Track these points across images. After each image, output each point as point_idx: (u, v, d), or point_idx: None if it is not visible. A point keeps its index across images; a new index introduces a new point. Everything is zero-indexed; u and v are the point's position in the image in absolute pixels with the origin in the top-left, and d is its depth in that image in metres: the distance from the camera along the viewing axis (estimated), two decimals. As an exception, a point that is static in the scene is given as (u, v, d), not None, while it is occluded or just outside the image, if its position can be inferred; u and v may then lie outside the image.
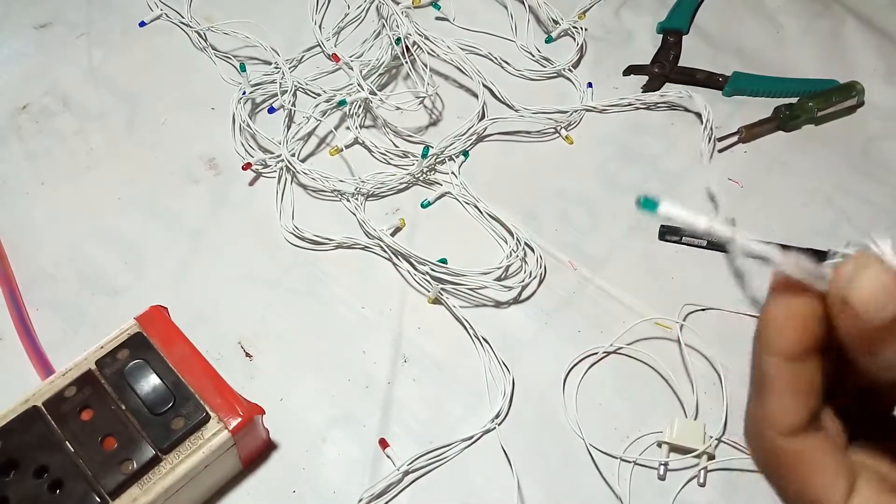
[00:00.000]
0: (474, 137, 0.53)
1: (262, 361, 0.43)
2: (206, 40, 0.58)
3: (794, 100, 0.54)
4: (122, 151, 0.52)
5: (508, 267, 0.46)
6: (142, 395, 0.36)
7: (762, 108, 0.55)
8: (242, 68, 0.54)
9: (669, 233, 0.48)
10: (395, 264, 0.47)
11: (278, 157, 0.50)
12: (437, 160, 0.51)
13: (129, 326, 0.39)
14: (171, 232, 0.48)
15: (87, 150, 0.52)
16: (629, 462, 0.40)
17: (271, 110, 0.54)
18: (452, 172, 0.51)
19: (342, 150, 0.52)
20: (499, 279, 0.45)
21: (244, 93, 0.53)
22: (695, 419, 0.41)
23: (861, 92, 0.55)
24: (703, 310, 0.45)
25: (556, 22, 0.59)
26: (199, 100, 0.55)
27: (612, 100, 0.55)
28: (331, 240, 0.48)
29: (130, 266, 0.47)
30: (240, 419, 0.36)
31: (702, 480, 0.39)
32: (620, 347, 0.44)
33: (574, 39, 0.59)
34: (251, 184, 0.51)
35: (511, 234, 0.47)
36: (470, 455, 0.40)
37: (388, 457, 0.40)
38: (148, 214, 0.49)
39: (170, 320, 0.39)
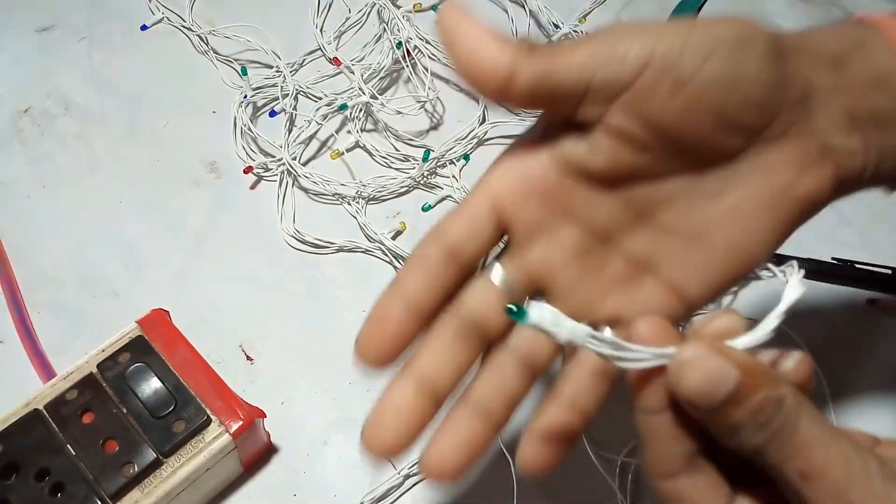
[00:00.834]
0: (475, 141, 0.53)
1: (263, 365, 0.43)
2: (207, 44, 0.58)
3: (794, 104, 0.54)
4: (124, 155, 0.53)
5: (509, 270, 0.46)
6: (143, 399, 0.36)
7: (762, 112, 0.55)
8: (244, 72, 0.54)
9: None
10: (396, 268, 0.47)
11: (279, 160, 0.51)
12: (438, 164, 0.51)
13: (130, 329, 0.39)
14: (173, 235, 0.49)
15: (88, 154, 0.53)
16: (631, 462, 0.40)
17: (272, 114, 0.54)
18: (453, 176, 0.51)
19: (343, 153, 0.52)
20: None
21: (245, 96, 0.53)
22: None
23: (861, 96, 0.55)
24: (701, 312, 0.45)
25: (556, 26, 0.59)
26: (201, 103, 0.55)
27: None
28: (332, 243, 0.48)
29: (132, 269, 0.47)
30: (241, 422, 0.36)
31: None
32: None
33: (575, 43, 0.59)
34: (252, 187, 0.51)
35: (512, 237, 0.47)
36: (471, 458, 0.40)
37: (389, 460, 0.40)
38: (149, 218, 0.49)
39: (171, 324, 0.39)
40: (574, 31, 0.59)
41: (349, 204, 0.50)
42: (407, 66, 0.54)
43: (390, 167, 0.52)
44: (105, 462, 0.34)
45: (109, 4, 0.61)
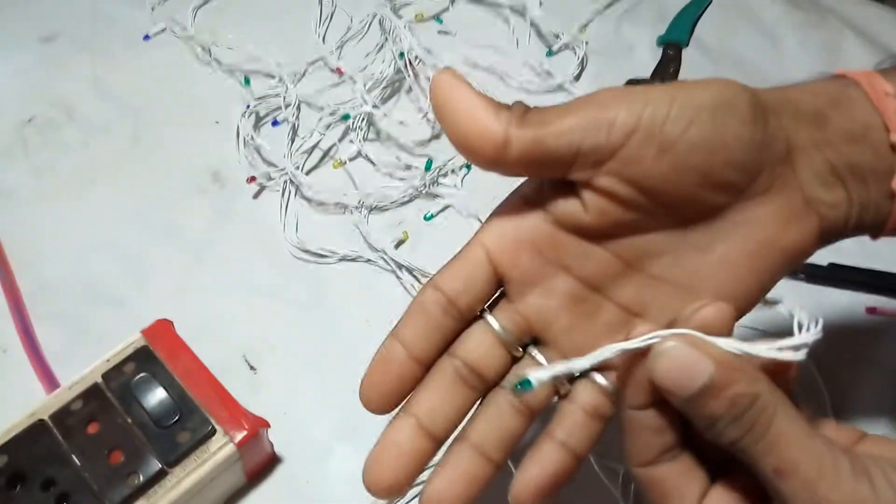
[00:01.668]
0: (477, 150, 0.53)
1: (267, 374, 0.44)
2: (210, 54, 0.58)
3: (793, 113, 0.55)
4: (127, 164, 0.53)
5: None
6: (148, 409, 0.36)
7: (762, 121, 0.55)
8: (246, 82, 0.55)
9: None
10: (398, 277, 0.47)
11: (282, 170, 0.51)
12: (441, 173, 0.52)
13: (135, 340, 0.39)
14: (176, 245, 0.49)
15: (91, 163, 0.53)
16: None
17: (275, 124, 0.55)
18: (455, 185, 0.51)
19: (346, 163, 0.52)
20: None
21: (248, 106, 0.54)
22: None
23: (860, 105, 0.55)
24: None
25: (557, 36, 0.60)
26: (203, 113, 0.55)
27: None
28: (335, 253, 0.48)
29: (135, 279, 0.47)
30: (245, 432, 0.36)
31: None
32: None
33: (575, 53, 0.59)
34: (255, 197, 0.51)
35: (514, 246, 0.48)
36: (474, 468, 0.41)
37: (392, 469, 0.40)
38: (152, 227, 0.49)
39: (175, 334, 0.39)
40: (574, 40, 0.59)
41: (352, 213, 0.50)
42: (409, 75, 0.54)
43: (392, 177, 0.52)
44: (110, 472, 0.34)
45: (112, 15, 0.62)
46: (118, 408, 0.36)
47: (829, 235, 0.26)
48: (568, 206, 0.25)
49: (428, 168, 0.50)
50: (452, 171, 0.52)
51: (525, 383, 0.23)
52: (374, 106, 0.53)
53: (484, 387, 0.27)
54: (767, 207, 0.25)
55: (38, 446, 0.35)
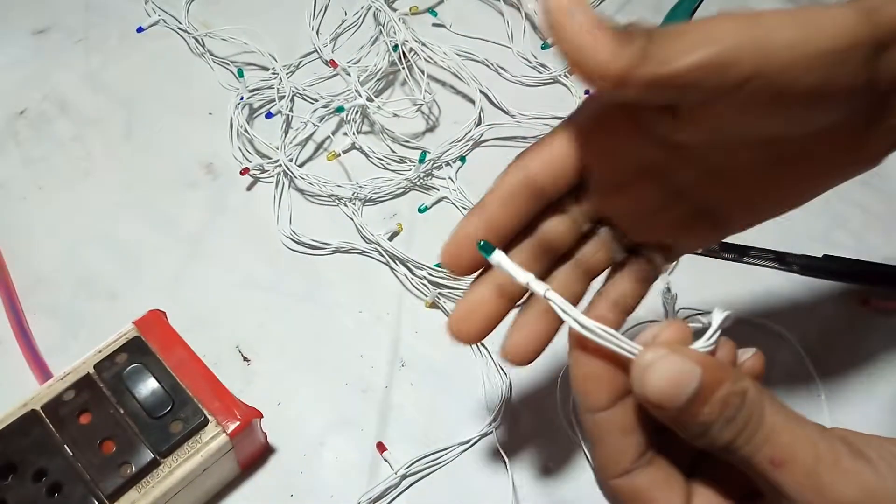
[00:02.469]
0: (471, 143, 0.53)
1: (260, 366, 0.44)
2: (203, 46, 0.58)
3: (787, 106, 0.55)
4: (120, 157, 0.53)
5: (505, 271, 0.46)
6: (140, 399, 0.36)
7: (756, 114, 0.55)
8: (240, 74, 0.55)
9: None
10: (392, 269, 0.47)
11: (276, 162, 0.51)
12: (435, 165, 0.52)
13: (127, 330, 0.39)
14: (169, 237, 0.49)
15: (84, 156, 0.53)
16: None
17: (269, 115, 0.55)
18: (449, 177, 0.51)
19: (339, 155, 0.52)
20: (496, 283, 0.46)
21: (242, 98, 0.53)
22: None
23: (854, 98, 0.55)
24: (699, 313, 0.46)
25: (551, 28, 0.60)
26: (197, 105, 0.55)
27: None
28: (328, 244, 0.48)
29: (128, 271, 0.47)
30: (238, 423, 0.36)
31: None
32: (617, 351, 0.44)
33: (570, 46, 0.59)
34: (249, 189, 0.51)
35: (508, 238, 0.48)
36: (467, 458, 0.41)
37: (385, 461, 0.40)
38: (146, 219, 0.49)
39: (168, 325, 0.39)
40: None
41: (346, 205, 0.50)
42: (403, 68, 0.54)
43: (387, 169, 0.52)
44: (102, 462, 0.34)
45: (105, 7, 0.61)
46: (110, 398, 0.36)
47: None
48: (661, 123, 0.25)
49: (422, 160, 0.50)
50: (447, 163, 0.52)
51: (488, 250, 0.26)
52: (369, 98, 0.53)
53: (555, 260, 0.29)
54: (854, 131, 0.24)
55: (31, 437, 0.35)
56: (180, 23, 0.60)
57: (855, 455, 0.20)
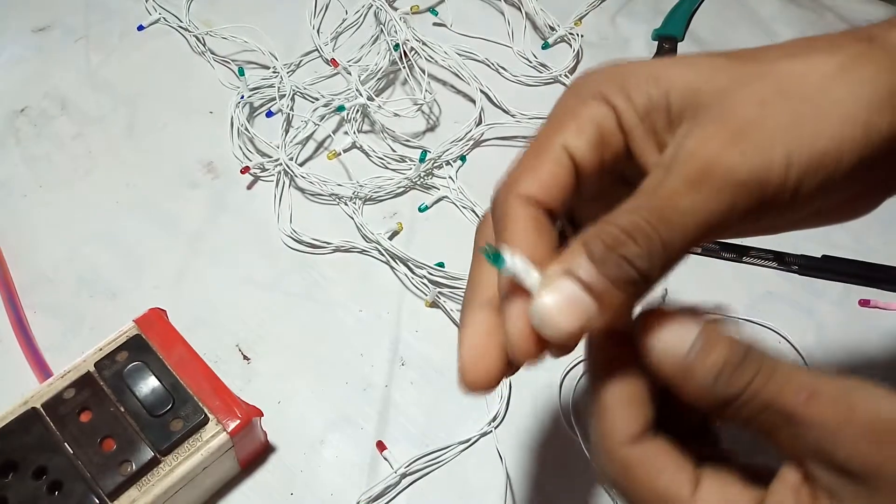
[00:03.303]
0: (471, 142, 0.53)
1: (260, 364, 0.44)
2: (204, 44, 0.58)
3: (787, 106, 0.55)
4: (121, 155, 0.53)
5: (505, 271, 0.46)
6: (141, 397, 0.36)
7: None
8: (241, 72, 0.55)
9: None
10: (392, 268, 0.47)
11: (276, 160, 0.51)
12: (435, 165, 0.52)
13: (127, 329, 0.39)
14: (170, 235, 0.49)
15: (85, 154, 0.53)
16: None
17: (269, 114, 0.55)
18: (450, 177, 0.51)
19: (340, 154, 0.52)
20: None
21: (242, 97, 0.53)
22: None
23: (854, 99, 0.55)
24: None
25: (552, 28, 0.60)
26: (198, 104, 0.55)
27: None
28: (329, 243, 0.48)
29: (129, 269, 0.47)
30: (238, 421, 0.36)
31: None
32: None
33: (570, 46, 0.59)
34: (249, 187, 0.51)
35: (508, 238, 0.48)
36: (467, 458, 0.41)
37: (385, 459, 0.40)
38: (146, 218, 0.49)
39: (168, 323, 0.39)
40: (570, 33, 0.59)
41: (346, 204, 0.50)
42: (404, 67, 0.54)
43: (387, 168, 0.52)
44: (102, 460, 0.34)
45: (106, 5, 0.61)
46: (111, 396, 0.36)
47: None
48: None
49: (422, 159, 0.50)
50: (447, 162, 0.52)
51: (498, 259, 0.22)
52: (369, 97, 0.53)
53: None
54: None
55: (31, 434, 0.35)
56: (181, 21, 0.60)
57: (875, 385, 0.20)
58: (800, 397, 0.20)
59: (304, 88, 0.55)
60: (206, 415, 0.36)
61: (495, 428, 0.41)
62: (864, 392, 0.20)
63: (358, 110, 0.54)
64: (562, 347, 0.21)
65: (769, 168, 0.21)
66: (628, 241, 0.20)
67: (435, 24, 0.60)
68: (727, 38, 0.61)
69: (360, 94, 0.52)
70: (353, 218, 0.49)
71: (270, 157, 0.52)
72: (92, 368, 0.37)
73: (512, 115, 0.55)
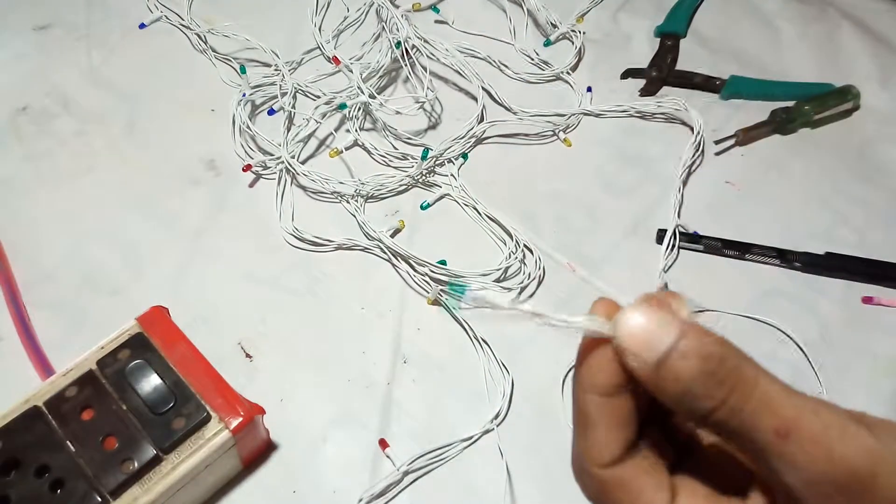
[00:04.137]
0: (473, 140, 0.53)
1: (263, 362, 0.44)
2: (205, 42, 0.58)
3: (790, 103, 0.55)
4: (123, 153, 0.53)
5: (507, 268, 0.46)
6: (143, 395, 0.36)
7: (759, 111, 0.55)
8: (242, 70, 0.54)
9: (666, 236, 0.48)
10: (394, 265, 0.47)
11: (278, 158, 0.51)
12: (437, 162, 0.52)
13: (129, 327, 0.39)
14: (172, 233, 0.49)
15: (87, 152, 0.53)
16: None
17: (271, 112, 0.54)
18: (452, 174, 0.51)
19: (342, 152, 0.52)
20: (498, 280, 0.46)
21: (244, 95, 0.53)
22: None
23: (857, 96, 0.55)
24: (701, 311, 0.46)
25: (554, 25, 0.60)
26: (199, 102, 0.55)
27: (610, 105, 0.55)
28: (331, 241, 0.48)
29: (131, 267, 0.47)
30: (240, 419, 0.36)
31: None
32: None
33: (572, 43, 0.59)
34: (251, 185, 0.51)
35: (510, 235, 0.48)
36: (469, 455, 0.41)
37: (387, 457, 0.40)
38: (148, 215, 0.49)
39: (170, 321, 0.39)
40: (572, 30, 0.59)
41: (348, 202, 0.50)
42: (405, 65, 0.54)
43: (389, 166, 0.52)
44: (105, 458, 0.34)
45: (108, 3, 0.61)
46: (113, 394, 0.36)
47: None
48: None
49: (424, 157, 0.50)
50: (449, 160, 0.52)
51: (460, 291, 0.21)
52: (371, 95, 0.52)
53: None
54: None
55: (33, 433, 0.35)
56: (182, 19, 0.59)
57: (856, 420, 0.19)
58: (777, 432, 0.19)
59: (306, 86, 0.55)
60: (208, 413, 0.36)
61: (497, 426, 0.41)
62: (846, 434, 0.19)
63: (360, 108, 0.54)
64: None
65: None
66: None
67: (436, 21, 0.60)
68: (730, 34, 0.61)
69: (362, 92, 0.52)
70: (354, 216, 0.49)
71: (272, 154, 0.52)
72: (94, 366, 0.37)
73: (514, 113, 0.54)
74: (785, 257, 0.48)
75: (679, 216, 0.49)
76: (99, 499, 0.33)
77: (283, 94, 0.54)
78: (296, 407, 0.42)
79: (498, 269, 0.46)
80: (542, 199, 0.51)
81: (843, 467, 0.18)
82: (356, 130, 0.53)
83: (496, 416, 0.41)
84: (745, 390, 0.19)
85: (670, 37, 0.60)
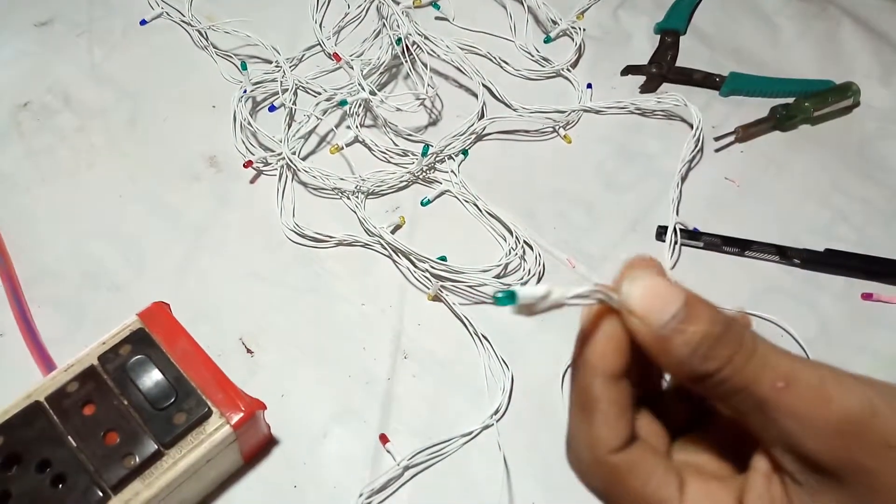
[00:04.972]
0: (474, 136, 0.53)
1: (264, 357, 0.44)
2: (206, 39, 0.58)
3: (790, 100, 0.55)
4: (124, 149, 0.53)
5: (508, 265, 0.46)
6: (144, 391, 0.36)
7: (759, 108, 0.55)
8: (243, 67, 0.55)
9: (666, 233, 0.48)
10: (395, 262, 0.47)
11: (279, 155, 0.51)
12: (437, 159, 0.52)
13: (131, 322, 0.39)
14: (173, 229, 0.49)
15: (88, 148, 0.53)
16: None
17: (272, 109, 0.55)
18: (452, 171, 0.51)
19: (342, 148, 0.52)
20: (498, 277, 0.46)
21: (245, 91, 0.53)
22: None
23: (857, 93, 0.55)
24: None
25: (554, 22, 0.60)
26: (200, 98, 0.55)
27: (610, 102, 0.55)
28: (331, 237, 0.48)
29: (132, 263, 0.47)
30: (241, 414, 0.36)
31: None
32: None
33: (572, 39, 0.59)
34: (252, 182, 0.51)
35: (510, 232, 0.48)
36: (470, 450, 0.41)
37: (388, 452, 0.40)
38: (149, 212, 0.49)
39: (172, 316, 0.39)
40: (572, 27, 0.59)
41: (348, 198, 0.50)
42: (406, 61, 0.54)
43: (389, 162, 0.52)
44: (106, 453, 0.34)
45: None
46: (114, 389, 0.36)
47: None
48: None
49: (425, 154, 0.50)
50: (449, 156, 0.52)
51: (506, 299, 0.20)
52: (371, 92, 0.53)
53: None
54: None
55: (34, 428, 0.35)
56: (184, 15, 0.60)
57: (853, 375, 0.20)
58: (775, 385, 0.20)
59: (307, 83, 0.55)
60: (209, 408, 0.36)
61: (497, 421, 0.41)
62: (841, 383, 0.19)
63: (360, 105, 0.54)
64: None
65: None
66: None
67: (437, 18, 0.60)
68: (730, 31, 0.61)
69: (363, 89, 0.52)
70: (355, 212, 0.49)
71: (273, 151, 0.52)
72: (95, 362, 0.37)
73: (514, 109, 0.55)
74: (784, 254, 0.48)
75: (679, 213, 0.49)
76: (100, 493, 0.33)
77: (284, 91, 0.54)
78: (297, 402, 0.42)
79: (498, 266, 0.46)
80: (542, 196, 0.51)
81: (841, 409, 0.19)
82: (357, 127, 0.53)
83: (496, 412, 0.41)
84: (747, 350, 0.20)
85: (670, 33, 0.60)
